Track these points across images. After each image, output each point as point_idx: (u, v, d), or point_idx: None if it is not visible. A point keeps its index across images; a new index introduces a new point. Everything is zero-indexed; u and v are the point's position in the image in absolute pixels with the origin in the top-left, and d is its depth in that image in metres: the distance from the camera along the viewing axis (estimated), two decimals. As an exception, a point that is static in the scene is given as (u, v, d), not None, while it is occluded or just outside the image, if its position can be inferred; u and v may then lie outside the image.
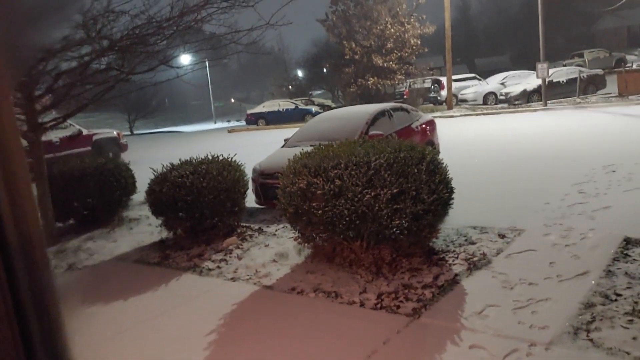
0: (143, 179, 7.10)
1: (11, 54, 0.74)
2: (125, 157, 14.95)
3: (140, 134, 42.06)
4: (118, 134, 18.05)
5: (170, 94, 59.25)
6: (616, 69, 24.92)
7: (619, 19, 49.63)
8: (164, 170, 6.36)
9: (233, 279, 4.91)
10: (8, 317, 0.71)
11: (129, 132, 42.39)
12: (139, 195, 8.02)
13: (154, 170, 6.44)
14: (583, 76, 22.61)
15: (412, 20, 30.69)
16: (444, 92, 27.48)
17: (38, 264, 0.75)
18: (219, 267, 5.31)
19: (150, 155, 18.60)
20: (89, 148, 16.06)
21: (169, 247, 6.22)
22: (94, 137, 16.77)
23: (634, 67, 22.82)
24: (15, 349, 0.72)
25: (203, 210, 5.99)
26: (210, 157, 6.54)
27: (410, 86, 30.46)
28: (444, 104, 26.60)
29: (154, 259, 5.88)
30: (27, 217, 0.73)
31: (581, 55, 36.97)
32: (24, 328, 0.73)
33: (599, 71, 24.46)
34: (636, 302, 3.48)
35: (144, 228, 7.44)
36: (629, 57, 37.98)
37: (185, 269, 5.37)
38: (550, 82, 21.85)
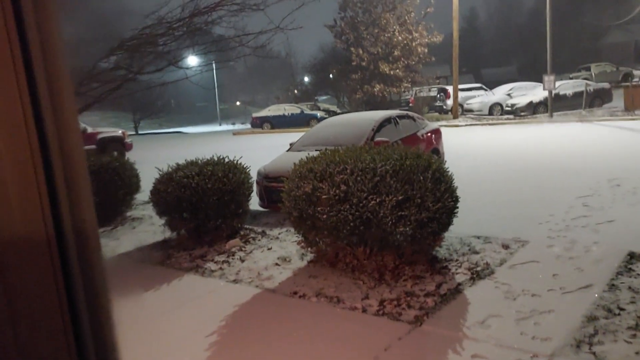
0: (147, 179, 7.12)
1: None
2: (130, 156, 14.98)
3: (145, 134, 42.18)
4: (123, 133, 18.10)
5: (175, 95, 59.40)
6: (623, 84, 24.92)
7: (627, 34, 49.63)
8: (170, 170, 6.37)
9: (235, 281, 4.91)
10: (61, 307, 0.73)
11: (133, 132, 42.51)
12: (143, 195, 8.04)
13: (160, 170, 6.45)
14: (590, 89, 22.59)
15: (419, 28, 30.77)
16: (449, 101, 27.48)
17: (92, 256, 0.76)
18: (221, 268, 5.31)
19: (154, 155, 18.63)
20: (93, 146, 16.13)
21: (171, 247, 6.22)
22: (99, 136, 16.84)
23: (641, 82, 22.82)
24: (66, 338, 0.74)
25: (207, 212, 6.00)
26: (215, 159, 6.55)
27: (416, 94, 30.48)
28: (450, 113, 26.62)
29: (156, 259, 5.88)
30: (83, 209, 0.75)
31: (588, 69, 36.95)
32: (75, 318, 0.75)
33: (606, 85, 24.43)
34: (639, 317, 3.47)
35: (147, 227, 7.45)
36: (635, 72, 37.94)
37: (188, 270, 5.37)
38: (557, 95, 21.84)
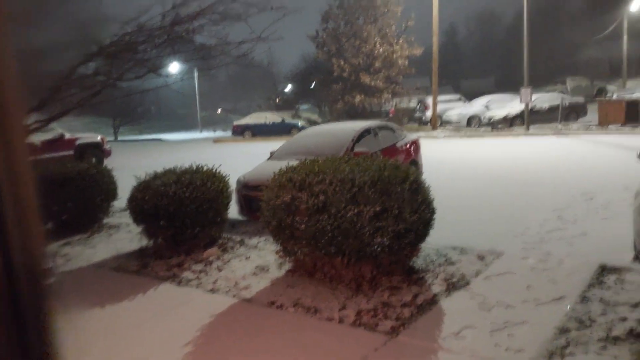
0: (125, 186, 7.04)
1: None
2: (109, 163, 14.80)
3: (125, 140, 41.70)
4: (102, 139, 17.86)
5: (156, 102, 58.95)
6: (597, 99, 25.47)
7: (602, 50, 50.86)
8: (147, 178, 6.32)
9: (212, 291, 4.88)
10: (5, 319, 0.72)
11: (112, 138, 42.01)
12: (121, 202, 7.94)
13: (137, 178, 6.40)
14: (565, 103, 23.05)
15: (400, 41, 31.10)
16: (428, 113, 27.78)
17: (37, 267, 0.76)
18: (198, 277, 5.27)
19: (133, 162, 18.44)
20: (71, 152, 15.89)
21: (148, 255, 6.15)
22: (77, 142, 16.60)
23: (614, 97, 23.37)
24: (12, 350, 0.73)
25: (185, 220, 5.95)
26: (194, 167, 6.52)
27: (396, 105, 30.77)
28: (429, 124, 26.91)
29: (132, 267, 5.81)
30: (29, 221, 0.74)
31: (564, 83, 37.80)
32: (21, 330, 0.74)
33: (581, 99, 24.95)
34: (610, 329, 3.54)
35: (123, 235, 7.36)
36: (609, 87, 38.94)
37: (164, 279, 5.32)
38: (533, 108, 22.24)
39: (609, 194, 8.06)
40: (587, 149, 14.61)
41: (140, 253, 6.33)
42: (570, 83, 37.57)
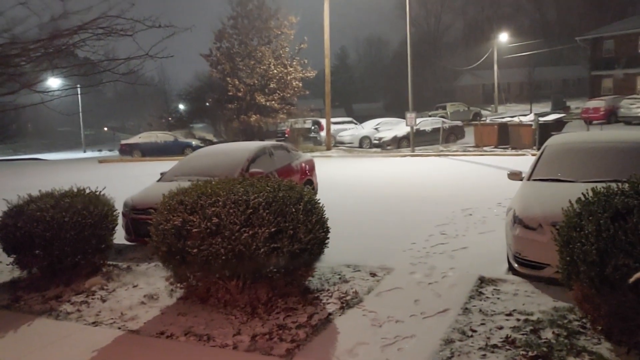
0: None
1: None
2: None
3: (-5, 160, 37.87)
4: (-33, 159, 16.11)
5: (34, 119, 54.43)
6: (473, 122, 27.69)
7: (476, 78, 55.95)
8: (21, 202, 5.78)
9: (95, 324, 4.53)
10: None
11: (-20, 158, 37.96)
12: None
13: (9, 202, 5.82)
14: (445, 127, 24.81)
15: (294, 63, 31.69)
16: (323, 133, 28.47)
17: None
18: (79, 310, 4.88)
19: (5, 184, 16.80)
20: None
21: (21, 288, 5.62)
22: (-64, 162, 14.78)
23: (488, 121, 25.54)
24: None
25: (64, 248, 5.49)
26: (75, 190, 6.07)
27: (292, 126, 31.17)
28: (324, 144, 27.57)
29: (2, 302, 5.26)
30: None
31: (444, 108, 40.79)
32: None
33: (459, 123, 27.04)
34: (489, 338, 3.80)
35: (-9, 266, 6.63)
36: (483, 112, 42.76)
37: (40, 313, 4.86)
38: (418, 130, 23.65)
39: (485, 210, 8.75)
40: (465, 168, 15.79)
41: (12, 285, 5.77)
42: (449, 108, 40.61)
